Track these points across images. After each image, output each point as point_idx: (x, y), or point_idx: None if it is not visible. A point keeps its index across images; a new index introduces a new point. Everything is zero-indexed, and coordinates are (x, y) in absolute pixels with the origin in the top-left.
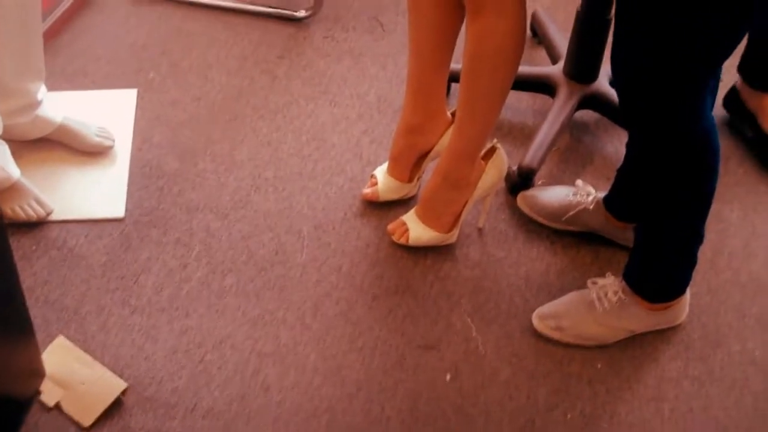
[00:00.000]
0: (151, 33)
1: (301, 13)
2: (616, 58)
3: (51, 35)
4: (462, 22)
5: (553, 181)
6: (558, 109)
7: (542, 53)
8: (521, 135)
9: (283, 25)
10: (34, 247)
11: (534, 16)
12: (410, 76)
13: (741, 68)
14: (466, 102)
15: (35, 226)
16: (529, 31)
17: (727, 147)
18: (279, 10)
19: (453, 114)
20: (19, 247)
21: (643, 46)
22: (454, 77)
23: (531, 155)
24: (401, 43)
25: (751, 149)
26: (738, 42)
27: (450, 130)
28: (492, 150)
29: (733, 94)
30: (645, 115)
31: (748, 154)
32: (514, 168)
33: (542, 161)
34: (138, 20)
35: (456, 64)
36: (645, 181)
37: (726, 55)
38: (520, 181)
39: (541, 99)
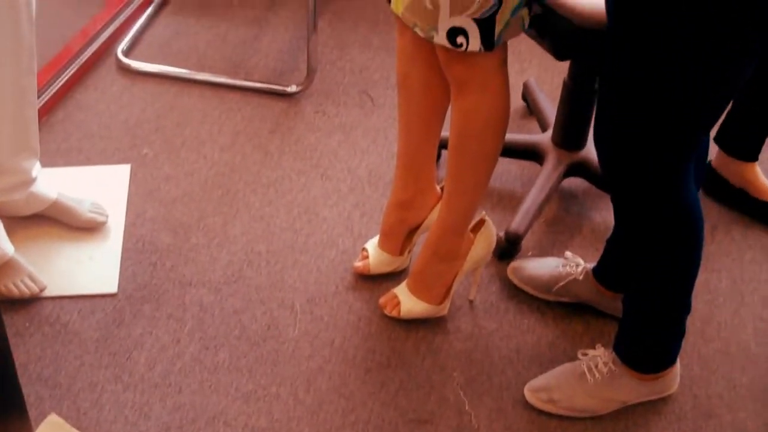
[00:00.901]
0: (144, 109)
1: (293, 88)
2: (599, 128)
3: (45, 112)
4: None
5: (543, 251)
6: (546, 176)
7: (534, 122)
8: (510, 204)
9: (275, 101)
10: (27, 324)
11: (525, 86)
12: (400, 153)
13: (719, 138)
14: (454, 176)
15: (28, 302)
16: (521, 101)
17: (713, 216)
18: (270, 86)
19: (442, 188)
20: (13, 323)
21: (627, 115)
22: (444, 144)
23: (518, 221)
24: (391, 117)
25: (751, 216)
26: (722, 111)
27: (439, 205)
28: (481, 222)
29: (711, 175)
30: (628, 184)
31: (734, 222)
32: (501, 234)
33: (529, 226)
34: (132, 97)
35: (446, 132)
36: (632, 251)
37: (710, 124)
38: (508, 246)
39: (530, 169)
